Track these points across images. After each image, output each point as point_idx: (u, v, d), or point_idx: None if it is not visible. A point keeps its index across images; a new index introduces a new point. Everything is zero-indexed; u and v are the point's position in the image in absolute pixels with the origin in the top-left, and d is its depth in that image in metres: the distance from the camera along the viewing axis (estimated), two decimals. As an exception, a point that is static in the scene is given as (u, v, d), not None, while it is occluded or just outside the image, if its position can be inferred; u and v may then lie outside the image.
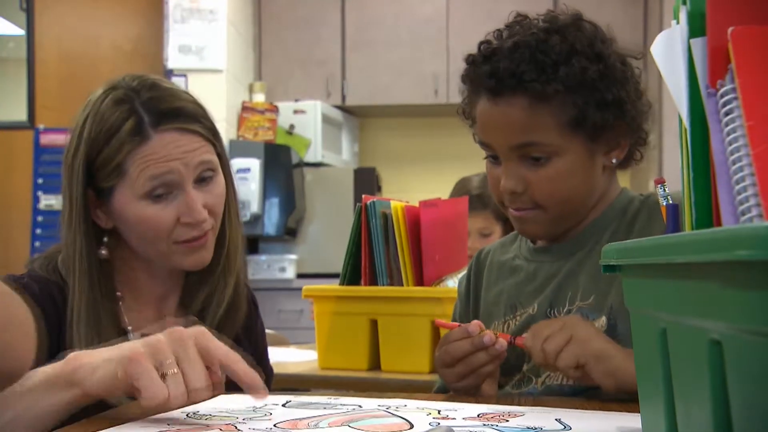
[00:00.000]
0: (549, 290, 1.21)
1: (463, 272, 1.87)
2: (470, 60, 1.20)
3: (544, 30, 1.15)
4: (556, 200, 1.17)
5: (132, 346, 0.91)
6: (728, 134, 0.54)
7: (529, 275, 1.25)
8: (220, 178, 1.22)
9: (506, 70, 1.13)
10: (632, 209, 1.22)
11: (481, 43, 1.19)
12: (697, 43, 0.58)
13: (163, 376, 0.89)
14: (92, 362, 0.91)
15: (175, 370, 0.89)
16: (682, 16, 0.59)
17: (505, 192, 1.18)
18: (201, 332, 0.94)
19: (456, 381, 1.14)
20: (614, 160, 1.20)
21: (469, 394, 1.15)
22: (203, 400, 0.96)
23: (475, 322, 1.14)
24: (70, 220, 1.18)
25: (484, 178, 2.75)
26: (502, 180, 1.18)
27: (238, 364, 0.93)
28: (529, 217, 1.19)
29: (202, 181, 1.19)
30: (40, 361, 1.04)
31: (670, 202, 0.68)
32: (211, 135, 1.21)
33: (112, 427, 0.87)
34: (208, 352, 0.92)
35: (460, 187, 2.77)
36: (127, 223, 1.18)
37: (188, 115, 1.18)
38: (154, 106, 1.16)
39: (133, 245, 1.21)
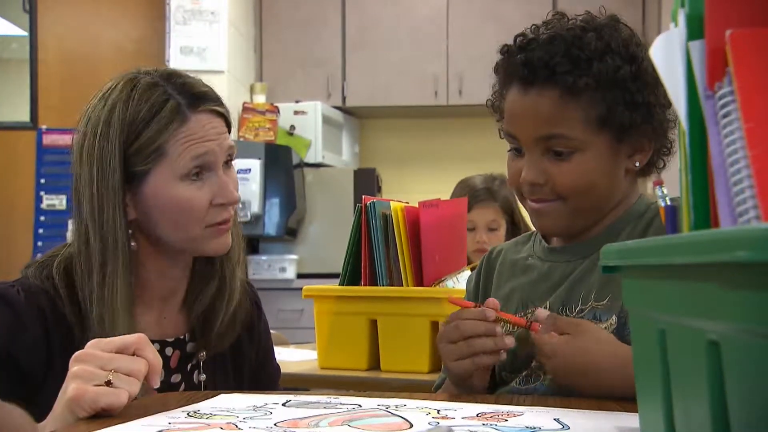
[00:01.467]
0: (562, 289, 1.21)
1: (462, 272, 1.88)
2: (504, 50, 1.22)
3: (581, 27, 1.17)
4: (577, 191, 1.17)
5: (63, 392, 0.95)
6: (726, 136, 0.54)
7: (543, 274, 1.25)
8: (234, 167, 1.25)
9: (540, 60, 1.15)
10: (648, 215, 1.22)
11: (517, 36, 1.21)
12: (696, 46, 0.58)
13: (108, 385, 0.93)
14: None
15: (110, 374, 0.93)
16: (681, 18, 0.60)
17: (525, 183, 1.19)
18: (95, 343, 0.97)
19: (453, 359, 1.13)
20: (637, 164, 1.20)
21: (460, 381, 1.16)
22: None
23: (493, 302, 1.14)
24: (104, 212, 1.16)
25: (486, 177, 2.77)
26: (523, 171, 1.19)
27: (147, 351, 0.98)
28: (547, 210, 1.19)
29: (225, 165, 1.22)
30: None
31: (669, 203, 0.68)
32: (229, 122, 1.25)
33: (112, 426, 0.87)
34: (119, 351, 0.97)
35: (463, 186, 2.79)
36: (160, 207, 1.18)
37: (216, 99, 1.22)
38: (186, 90, 1.19)
39: (160, 233, 1.20)
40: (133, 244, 1.19)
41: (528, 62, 1.16)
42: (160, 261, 1.23)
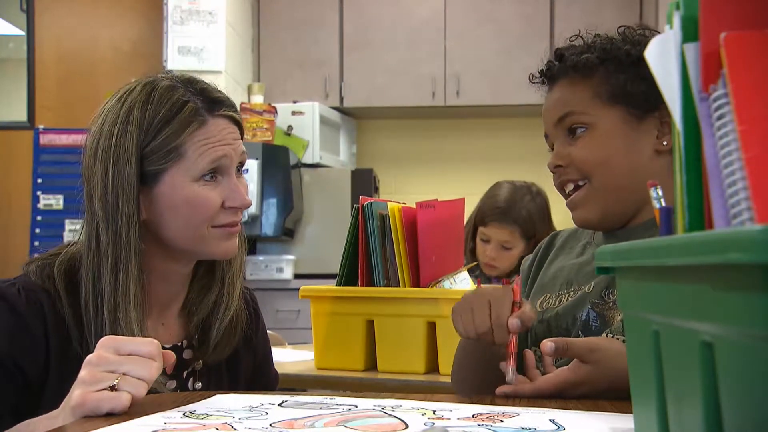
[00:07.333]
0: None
1: (459, 273, 1.88)
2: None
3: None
4: (594, 165, 1.21)
5: (69, 398, 0.95)
6: (720, 138, 0.54)
7: (594, 257, 1.27)
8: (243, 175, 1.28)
9: (557, 56, 1.25)
10: None
11: None
12: (690, 48, 0.58)
13: (113, 388, 0.93)
14: None
15: (117, 378, 0.94)
16: (676, 21, 0.60)
17: (551, 168, 1.26)
18: (109, 341, 0.97)
19: (462, 319, 1.13)
20: (665, 143, 1.22)
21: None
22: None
23: (515, 322, 1.12)
24: (118, 210, 1.16)
25: (517, 189, 2.69)
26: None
27: (159, 359, 0.98)
28: (578, 198, 1.24)
29: (237, 171, 1.25)
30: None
31: (663, 204, 0.69)
32: (242, 130, 1.28)
33: (110, 426, 0.87)
34: (125, 352, 0.96)
35: (490, 194, 2.73)
36: (173, 206, 1.18)
37: (233, 106, 1.25)
38: (205, 94, 1.21)
39: (168, 234, 1.20)
40: (142, 245, 1.19)
41: (549, 65, 1.26)
42: (164, 264, 1.23)
